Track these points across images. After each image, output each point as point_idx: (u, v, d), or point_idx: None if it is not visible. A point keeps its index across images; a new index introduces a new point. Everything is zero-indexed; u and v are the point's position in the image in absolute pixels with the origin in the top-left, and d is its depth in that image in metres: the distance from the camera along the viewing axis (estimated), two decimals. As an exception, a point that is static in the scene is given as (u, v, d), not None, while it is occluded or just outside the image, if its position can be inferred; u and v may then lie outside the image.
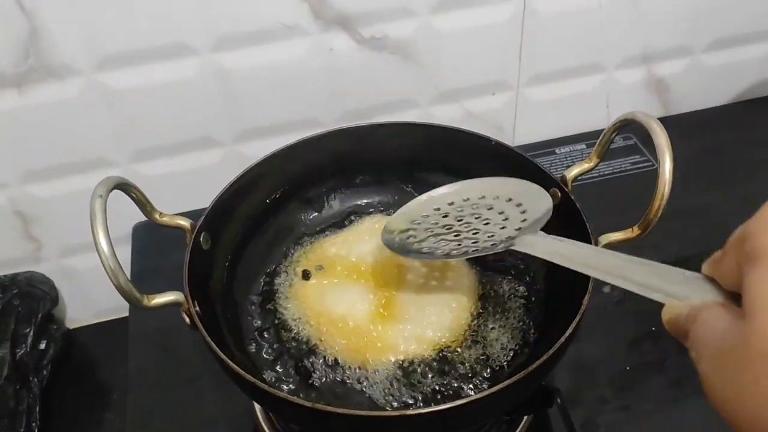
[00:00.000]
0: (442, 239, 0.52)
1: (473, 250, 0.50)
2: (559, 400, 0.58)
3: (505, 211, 0.53)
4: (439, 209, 0.56)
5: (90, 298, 0.81)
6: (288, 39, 0.69)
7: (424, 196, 0.57)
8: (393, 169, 0.65)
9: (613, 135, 0.53)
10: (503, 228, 0.51)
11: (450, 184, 0.57)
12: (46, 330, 0.74)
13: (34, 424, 0.68)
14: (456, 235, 0.52)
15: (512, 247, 0.48)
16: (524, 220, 0.51)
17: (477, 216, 0.54)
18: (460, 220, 0.54)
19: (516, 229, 0.50)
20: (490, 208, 0.54)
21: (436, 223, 0.54)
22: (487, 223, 0.52)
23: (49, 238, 0.76)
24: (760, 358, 0.23)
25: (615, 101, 0.86)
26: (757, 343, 0.23)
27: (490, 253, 0.49)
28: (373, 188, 0.65)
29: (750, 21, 0.83)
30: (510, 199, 0.54)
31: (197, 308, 0.48)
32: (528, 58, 0.78)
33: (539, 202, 0.52)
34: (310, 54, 0.70)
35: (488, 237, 0.51)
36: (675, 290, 0.31)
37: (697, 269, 0.31)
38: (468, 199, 0.56)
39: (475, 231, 0.52)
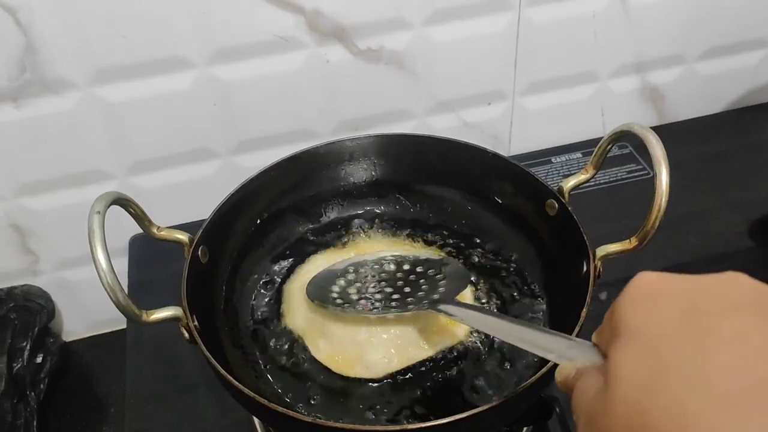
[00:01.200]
0: (364, 296, 0.54)
1: (393, 307, 0.52)
2: (557, 410, 0.58)
3: (426, 280, 0.54)
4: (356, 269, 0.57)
5: (86, 310, 0.81)
6: (284, 51, 0.69)
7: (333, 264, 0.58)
8: (390, 180, 0.65)
9: (609, 146, 0.53)
10: (425, 290, 0.53)
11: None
12: (43, 343, 0.73)
13: (31, 438, 0.67)
14: (378, 292, 0.54)
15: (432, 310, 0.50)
16: (443, 285, 0.53)
17: (399, 280, 0.55)
18: (380, 281, 0.56)
19: (437, 294, 0.52)
20: (412, 275, 0.55)
21: (352, 284, 0.56)
22: (408, 287, 0.54)
23: (45, 251, 0.76)
24: (616, 422, 0.26)
25: (610, 110, 0.86)
26: (614, 409, 0.27)
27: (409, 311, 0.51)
28: (370, 200, 0.65)
29: (742, 29, 0.84)
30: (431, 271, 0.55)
31: (196, 323, 0.48)
32: (523, 68, 0.79)
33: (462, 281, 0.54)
34: (306, 66, 0.71)
35: (406, 297, 0.53)
36: (568, 353, 0.34)
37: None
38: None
39: (395, 292, 0.54)
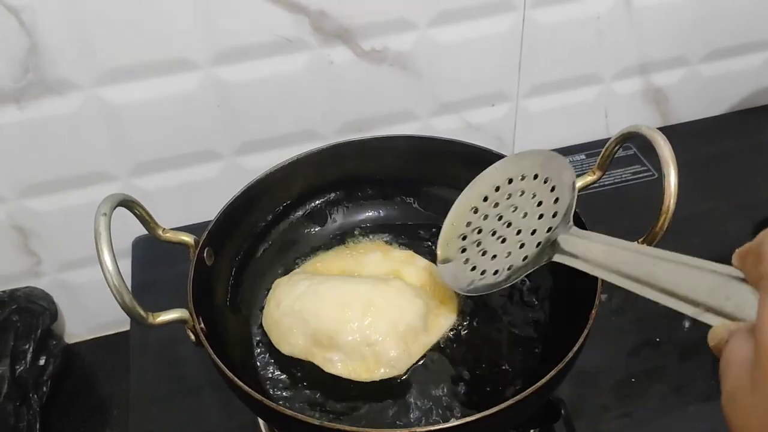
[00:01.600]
0: (494, 254, 0.51)
1: (523, 262, 0.49)
2: (563, 412, 0.58)
3: (537, 194, 0.51)
4: (476, 209, 0.55)
5: (89, 312, 0.81)
6: (288, 52, 0.69)
7: (456, 201, 0.57)
8: (395, 182, 0.65)
9: (617, 147, 0.53)
10: (541, 217, 0.49)
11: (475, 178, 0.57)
12: (46, 346, 0.73)
13: (34, 441, 0.67)
14: (503, 241, 0.51)
15: (555, 259, 0.46)
16: (557, 200, 0.49)
17: (513, 208, 0.52)
18: (500, 218, 0.53)
19: (552, 216, 0.48)
20: (522, 194, 0.52)
21: (480, 230, 0.54)
22: (525, 215, 0.51)
23: (47, 253, 0.76)
24: (763, 403, 0.23)
25: (614, 111, 0.86)
26: (761, 387, 0.23)
27: (539, 265, 0.48)
28: (376, 202, 0.66)
29: (745, 31, 0.84)
30: (536, 176, 0.52)
31: (202, 325, 0.48)
32: (527, 70, 0.78)
33: (564, 174, 0.50)
34: (309, 67, 0.70)
35: (531, 235, 0.49)
36: (718, 299, 0.29)
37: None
38: (498, 187, 0.55)
39: (518, 230, 0.51)
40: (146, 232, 0.51)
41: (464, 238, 0.55)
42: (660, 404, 0.59)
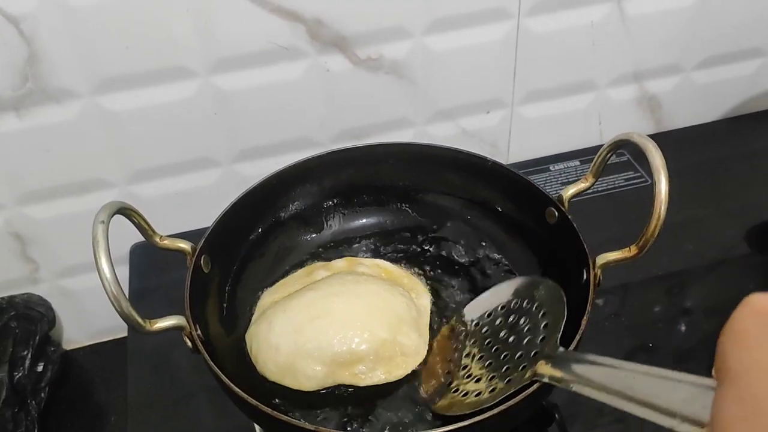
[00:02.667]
0: (478, 377, 0.50)
1: (506, 383, 0.47)
2: (557, 416, 0.58)
3: (528, 319, 0.51)
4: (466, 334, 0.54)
5: (87, 319, 0.81)
6: (285, 60, 0.70)
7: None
8: (391, 189, 0.66)
9: (609, 155, 0.53)
10: (528, 342, 0.49)
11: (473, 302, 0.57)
12: (44, 352, 0.73)
13: (32, 447, 0.67)
14: (489, 365, 0.50)
15: (537, 378, 0.45)
16: (546, 325, 0.49)
17: (504, 332, 0.52)
18: (489, 342, 0.52)
19: (540, 340, 0.48)
20: (513, 318, 0.52)
21: (468, 355, 0.53)
22: (513, 340, 0.50)
23: (45, 260, 0.76)
24: None
25: (608, 118, 0.87)
26: None
27: (522, 385, 0.46)
28: (372, 208, 0.66)
29: (737, 39, 0.85)
30: (529, 301, 0.52)
31: (199, 332, 0.48)
32: (522, 77, 0.79)
33: (557, 306, 0.50)
34: (306, 75, 0.71)
35: (517, 359, 0.49)
36: (696, 413, 0.29)
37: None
38: (490, 313, 0.54)
39: (505, 354, 0.50)
40: (143, 239, 0.52)
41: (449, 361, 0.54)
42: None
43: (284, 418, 0.43)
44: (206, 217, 0.58)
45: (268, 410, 0.43)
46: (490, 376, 0.49)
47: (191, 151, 0.73)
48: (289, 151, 0.75)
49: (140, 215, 0.50)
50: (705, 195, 0.80)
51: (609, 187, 0.81)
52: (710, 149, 0.87)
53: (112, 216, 0.46)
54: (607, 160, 0.54)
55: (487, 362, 0.51)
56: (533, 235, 0.60)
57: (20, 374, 0.69)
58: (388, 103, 0.76)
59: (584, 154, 0.84)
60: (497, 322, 0.53)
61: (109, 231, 0.44)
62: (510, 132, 0.84)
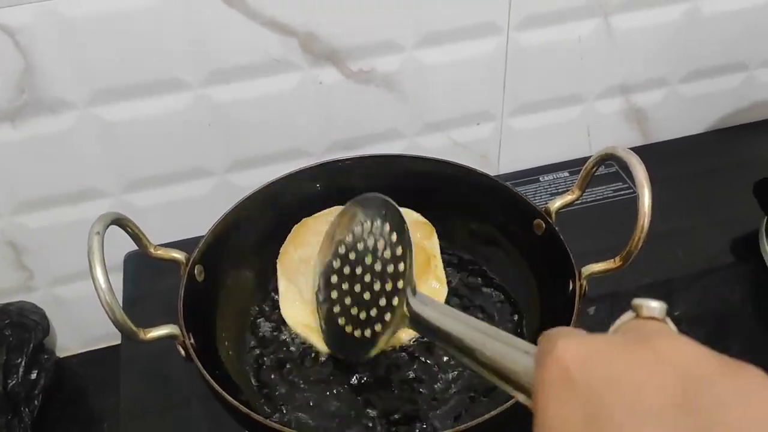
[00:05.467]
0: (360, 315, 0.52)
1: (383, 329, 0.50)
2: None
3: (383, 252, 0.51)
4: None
5: (80, 326, 0.82)
6: (278, 73, 0.71)
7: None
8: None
9: (595, 168, 0.55)
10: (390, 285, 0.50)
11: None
12: (38, 360, 0.74)
13: (25, 454, 0.68)
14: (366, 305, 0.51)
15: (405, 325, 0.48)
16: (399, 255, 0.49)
17: (366, 272, 0.52)
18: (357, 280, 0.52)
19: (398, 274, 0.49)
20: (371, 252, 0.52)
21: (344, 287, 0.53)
22: (375, 281, 0.51)
23: (39, 268, 0.77)
24: None
25: (596, 130, 0.88)
26: None
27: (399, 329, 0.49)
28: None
29: (723, 53, 0.86)
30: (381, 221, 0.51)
31: (192, 341, 0.49)
32: (511, 90, 0.80)
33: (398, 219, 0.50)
34: (299, 87, 0.72)
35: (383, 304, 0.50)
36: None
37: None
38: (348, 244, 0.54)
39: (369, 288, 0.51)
40: (137, 248, 0.53)
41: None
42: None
43: (277, 426, 0.43)
44: (201, 225, 0.59)
45: (260, 419, 0.44)
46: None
47: (185, 161, 0.74)
48: (282, 161, 0.76)
49: (135, 225, 0.51)
50: (691, 205, 0.81)
51: (598, 198, 0.82)
52: (696, 161, 0.89)
53: (108, 227, 0.46)
54: (593, 174, 0.55)
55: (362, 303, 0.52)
56: (520, 245, 0.61)
57: (14, 382, 0.70)
58: (379, 115, 0.77)
59: (573, 165, 0.86)
60: (359, 246, 0.53)
61: (105, 240, 0.45)
62: (500, 143, 0.85)
